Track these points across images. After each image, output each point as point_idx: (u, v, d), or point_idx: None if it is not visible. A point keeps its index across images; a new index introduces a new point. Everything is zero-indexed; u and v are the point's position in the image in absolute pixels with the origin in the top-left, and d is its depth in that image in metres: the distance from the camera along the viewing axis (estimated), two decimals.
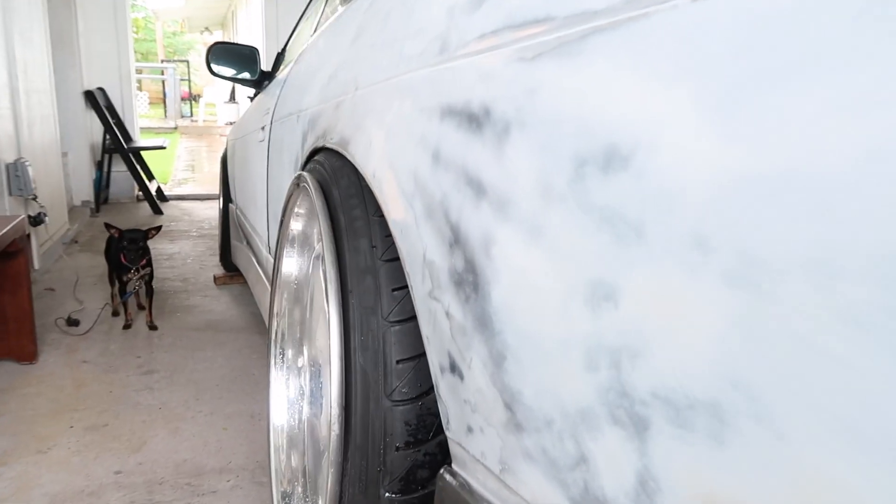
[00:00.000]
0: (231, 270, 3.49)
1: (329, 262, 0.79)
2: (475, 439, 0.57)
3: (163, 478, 1.70)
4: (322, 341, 1.01)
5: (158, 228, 2.94)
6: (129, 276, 2.78)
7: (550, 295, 0.45)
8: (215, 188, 4.42)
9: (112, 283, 2.96)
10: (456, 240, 0.58)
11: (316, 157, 1.05)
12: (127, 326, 2.81)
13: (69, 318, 2.80)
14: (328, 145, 0.99)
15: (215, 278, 3.48)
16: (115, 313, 2.96)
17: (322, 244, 0.82)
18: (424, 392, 0.69)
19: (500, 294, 0.52)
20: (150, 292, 2.87)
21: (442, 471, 0.64)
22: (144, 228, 2.89)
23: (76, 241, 4.36)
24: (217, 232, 4.24)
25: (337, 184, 0.87)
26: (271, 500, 1.19)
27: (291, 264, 1.17)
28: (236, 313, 3.04)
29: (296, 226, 1.13)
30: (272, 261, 1.42)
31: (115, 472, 1.73)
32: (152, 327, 2.80)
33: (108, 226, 2.80)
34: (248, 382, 2.29)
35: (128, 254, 2.73)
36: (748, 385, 0.32)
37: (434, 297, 0.62)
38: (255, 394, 2.20)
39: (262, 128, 1.97)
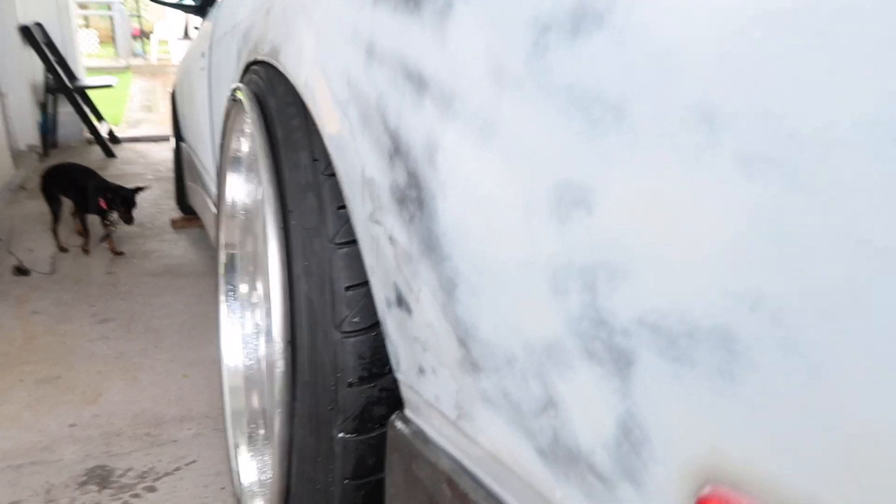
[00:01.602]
0: (189, 213, 3.34)
1: (266, 179, 0.69)
2: (427, 381, 0.49)
3: (120, 429, 1.62)
4: None
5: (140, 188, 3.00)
6: (108, 221, 2.87)
7: (508, 207, 0.36)
8: (170, 130, 4.21)
9: (56, 219, 2.96)
10: (396, 149, 0.48)
11: (251, 69, 0.93)
12: (86, 251, 2.88)
13: (18, 267, 2.66)
14: (260, 58, 0.86)
15: (172, 222, 3.33)
16: (63, 249, 2.94)
17: (259, 161, 0.72)
18: (378, 322, 0.60)
19: (449, 210, 0.42)
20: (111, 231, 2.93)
21: (393, 417, 0.56)
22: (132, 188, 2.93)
23: (24, 188, 4.13)
24: (172, 173, 4.05)
25: (273, 92, 0.76)
26: (226, 446, 1.12)
27: (238, 190, 1.06)
28: (195, 257, 2.92)
29: (240, 145, 1.01)
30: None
31: (70, 425, 1.64)
32: (118, 252, 2.88)
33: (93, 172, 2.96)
34: (209, 328, 2.20)
35: (112, 205, 2.83)
36: (772, 304, 0.23)
37: (375, 220, 0.53)
38: (216, 340, 2.12)
39: (202, 54, 1.80)
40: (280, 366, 0.64)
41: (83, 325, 2.22)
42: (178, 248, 3.05)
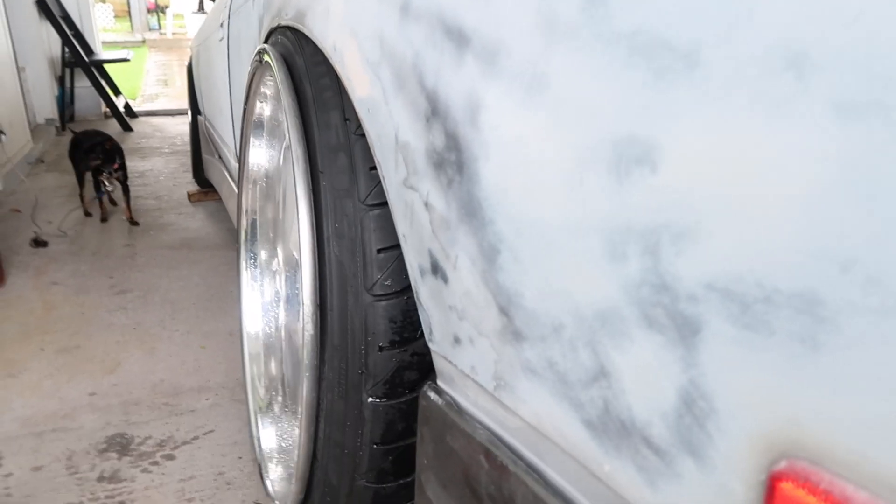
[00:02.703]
0: (205, 186, 3.34)
1: (295, 140, 0.67)
2: (464, 351, 0.48)
3: (139, 398, 1.63)
4: (297, 237, 0.91)
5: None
6: (102, 177, 2.89)
7: (558, 166, 0.34)
8: (186, 103, 4.20)
9: (81, 185, 3.03)
10: (434, 111, 0.46)
11: (274, 35, 0.91)
12: (104, 220, 2.93)
13: (36, 239, 2.67)
14: (284, 23, 0.84)
15: (189, 195, 3.33)
16: (88, 213, 3.01)
17: (287, 122, 0.70)
18: (410, 285, 0.59)
19: (492, 172, 0.40)
20: (126, 190, 2.94)
21: (425, 388, 0.55)
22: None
23: (42, 161, 4.14)
24: (189, 147, 4.05)
25: (301, 52, 0.74)
26: (247, 411, 1.12)
27: (260, 155, 1.04)
28: (212, 230, 2.92)
29: (263, 110, 0.99)
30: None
31: (90, 393, 1.66)
32: (134, 223, 2.90)
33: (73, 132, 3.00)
34: (225, 300, 2.20)
35: (96, 156, 2.86)
36: (866, 266, 0.21)
37: (410, 185, 0.51)
38: (233, 312, 2.12)
39: (221, 24, 1.78)
40: (309, 329, 0.63)
41: (101, 296, 2.23)
42: (194, 221, 3.06)
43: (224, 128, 2.00)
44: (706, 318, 0.27)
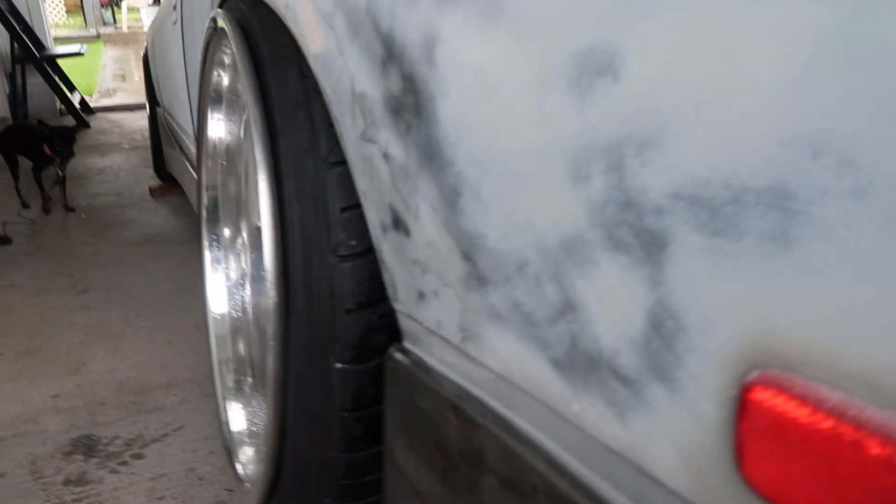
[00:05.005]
0: (167, 181, 3.25)
1: (251, 100, 0.64)
2: (429, 307, 0.46)
3: (104, 398, 1.58)
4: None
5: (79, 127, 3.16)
6: (54, 166, 2.89)
7: (518, 92, 0.33)
8: (145, 97, 4.10)
9: (16, 177, 3.01)
10: (390, 54, 0.44)
11: (226, 5, 0.87)
12: (46, 211, 2.93)
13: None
14: None
15: (151, 190, 3.24)
16: (26, 205, 2.97)
17: (243, 84, 0.67)
18: None
19: (450, 110, 0.39)
20: (63, 177, 2.98)
21: (391, 349, 0.53)
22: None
23: None
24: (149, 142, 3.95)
25: (255, 13, 0.71)
26: (215, 395, 1.09)
27: (219, 128, 1.00)
28: (176, 225, 2.85)
29: (220, 81, 0.96)
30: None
31: (53, 396, 1.60)
32: (69, 208, 2.93)
33: (40, 122, 2.96)
34: (192, 295, 2.15)
35: (58, 147, 2.87)
36: (841, 145, 0.20)
37: (368, 138, 0.49)
38: (199, 306, 2.07)
39: (174, 6, 1.72)
40: (272, 296, 0.60)
41: (62, 297, 2.16)
42: (157, 216, 2.98)
43: (182, 114, 1.95)
44: (673, 231, 0.26)
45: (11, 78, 5.12)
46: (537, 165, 0.32)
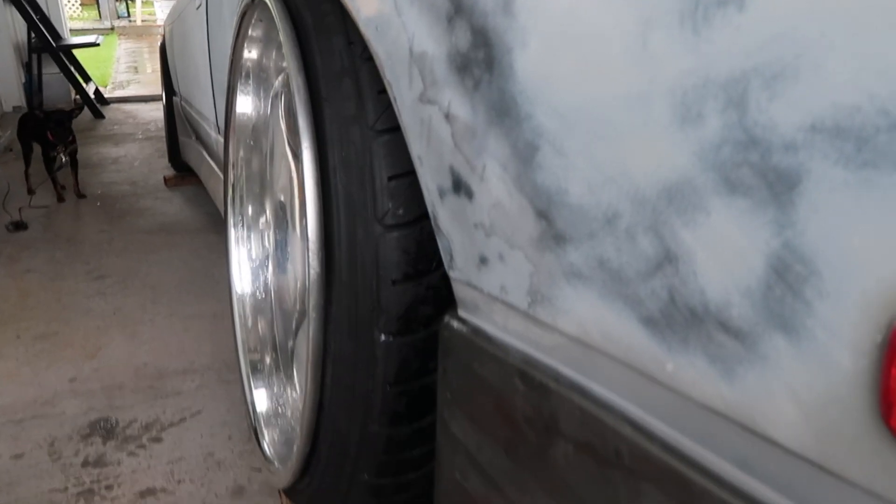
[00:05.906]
0: (182, 170, 3.25)
1: (294, 69, 0.62)
2: (491, 272, 0.44)
3: (122, 383, 1.57)
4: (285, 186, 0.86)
5: (81, 108, 3.13)
6: (56, 152, 2.89)
7: (616, 35, 0.31)
8: (160, 89, 4.10)
9: (28, 163, 3.03)
10: (458, 8, 0.42)
11: None
12: (60, 200, 2.92)
13: (14, 222, 2.59)
14: None
15: (166, 179, 3.24)
16: (31, 191, 2.97)
17: (286, 51, 0.65)
18: (426, 213, 0.55)
19: (529, 62, 0.37)
20: (75, 164, 2.99)
21: (446, 319, 0.51)
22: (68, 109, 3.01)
23: (10, 150, 4.01)
24: (164, 132, 3.95)
25: None
26: (239, 371, 1.08)
27: (247, 104, 0.99)
28: (191, 214, 2.84)
29: (251, 55, 0.94)
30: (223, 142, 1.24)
31: (70, 379, 1.59)
32: (81, 195, 2.94)
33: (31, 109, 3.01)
34: (208, 283, 2.14)
35: (56, 132, 2.87)
36: None
37: (427, 100, 0.47)
38: (216, 294, 2.06)
39: None
40: (315, 267, 0.58)
41: (78, 283, 2.15)
42: (172, 205, 2.98)
43: (203, 102, 1.94)
44: (808, 167, 0.24)
45: (28, 67, 5.14)
46: (636, 111, 0.30)
